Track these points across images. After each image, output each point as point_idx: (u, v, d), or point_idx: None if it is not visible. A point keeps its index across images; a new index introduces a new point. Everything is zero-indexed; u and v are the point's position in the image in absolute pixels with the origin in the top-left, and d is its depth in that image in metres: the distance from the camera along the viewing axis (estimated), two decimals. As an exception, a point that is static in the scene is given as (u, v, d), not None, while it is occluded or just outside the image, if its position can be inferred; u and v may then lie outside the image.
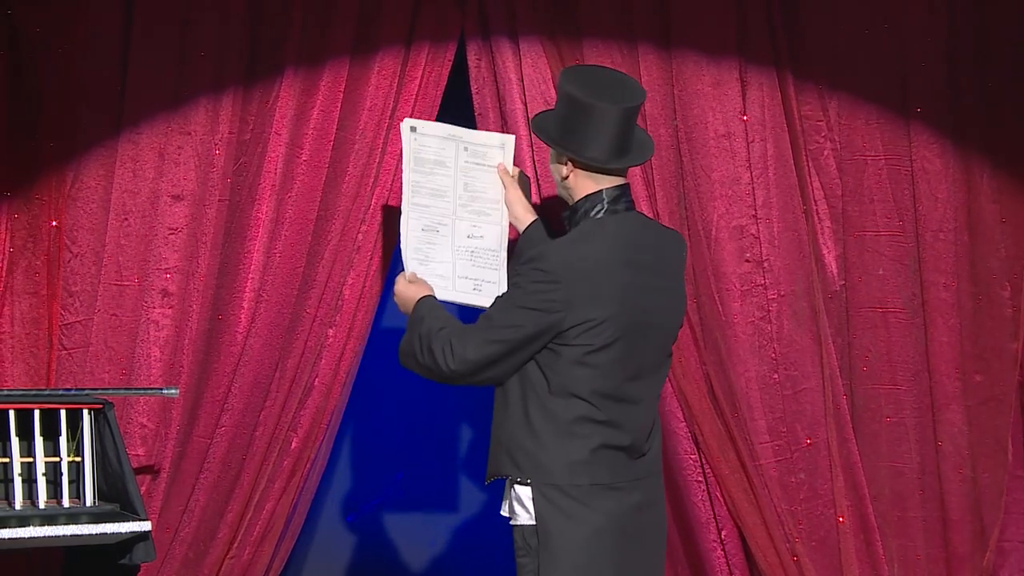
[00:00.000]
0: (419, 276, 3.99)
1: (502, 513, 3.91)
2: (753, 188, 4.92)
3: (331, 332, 4.93)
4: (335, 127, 4.89)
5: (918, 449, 4.98)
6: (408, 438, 5.60)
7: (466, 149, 3.88)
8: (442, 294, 3.94)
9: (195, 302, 4.89)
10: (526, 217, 4.12)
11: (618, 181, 3.90)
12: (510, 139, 3.91)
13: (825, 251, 5.00)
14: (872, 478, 4.96)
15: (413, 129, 3.79)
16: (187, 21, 4.92)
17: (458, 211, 3.88)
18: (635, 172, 4.91)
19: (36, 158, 4.91)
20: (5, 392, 4.54)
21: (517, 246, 4.13)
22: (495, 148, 3.89)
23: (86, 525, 4.26)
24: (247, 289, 4.89)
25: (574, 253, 3.76)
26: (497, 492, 3.98)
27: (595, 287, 3.74)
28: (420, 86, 4.92)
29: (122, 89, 4.91)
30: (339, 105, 4.89)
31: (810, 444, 4.94)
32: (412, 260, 3.94)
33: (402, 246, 3.99)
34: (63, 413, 4.37)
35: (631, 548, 3.80)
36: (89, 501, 4.38)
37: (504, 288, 3.88)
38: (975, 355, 4.97)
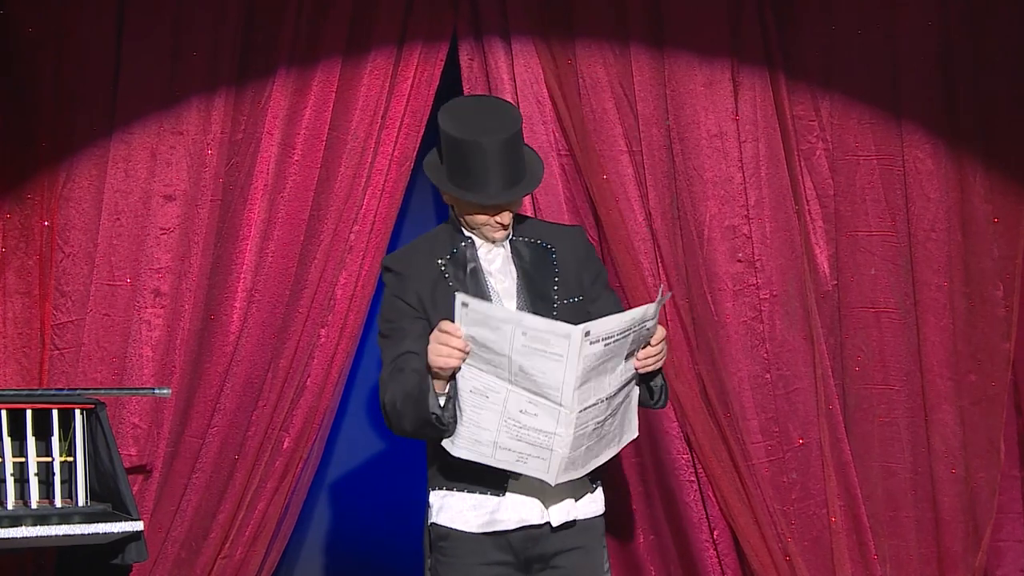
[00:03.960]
0: (458, 439, 3.58)
1: (580, 516, 3.78)
2: (745, 188, 4.92)
3: (323, 332, 4.93)
4: (327, 127, 4.89)
5: (910, 449, 4.98)
6: (400, 439, 5.59)
7: (524, 333, 3.43)
8: (482, 460, 3.59)
9: (187, 302, 4.89)
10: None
11: None
12: (577, 331, 3.37)
13: (817, 251, 5.00)
14: (864, 478, 4.96)
15: (464, 304, 3.51)
16: (180, 21, 4.92)
17: (512, 386, 3.49)
18: (627, 172, 4.92)
19: (29, 158, 4.91)
20: (-3, 392, 4.54)
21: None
22: (559, 337, 3.38)
23: (78, 525, 4.26)
24: (239, 289, 4.89)
25: None
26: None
27: None
28: (412, 86, 4.93)
29: (114, 89, 4.92)
30: (331, 105, 4.89)
31: (802, 444, 4.94)
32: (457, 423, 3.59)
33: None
34: (55, 413, 4.37)
35: None
36: (81, 501, 4.38)
37: (556, 467, 3.55)
38: (968, 355, 4.97)
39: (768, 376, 4.92)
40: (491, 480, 3.70)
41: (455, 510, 3.74)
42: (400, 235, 5.27)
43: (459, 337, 3.46)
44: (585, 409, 3.49)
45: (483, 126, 3.67)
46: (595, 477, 3.80)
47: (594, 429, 3.55)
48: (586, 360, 3.41)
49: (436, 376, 3.54)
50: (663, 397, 3.78)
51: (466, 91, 4.95)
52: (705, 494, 4.93)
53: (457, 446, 3.58)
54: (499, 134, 3.65)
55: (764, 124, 4.95)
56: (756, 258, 4.92)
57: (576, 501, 3.77)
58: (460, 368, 3.50)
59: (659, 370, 3.68)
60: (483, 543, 3.73)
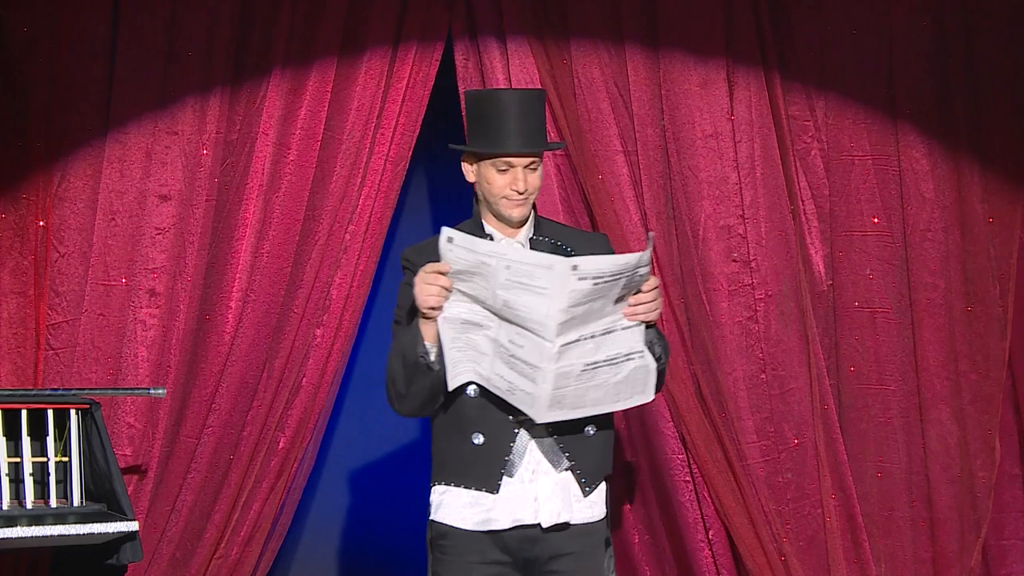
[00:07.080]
0: (458, 367, 3.57)
1: (574, 520, 3.71)
2: (740, 188, 4.93)
3: (319, 332, 4.93)
4: (322, 127, 4.89)
5: (905, 449, 4.98)
6: (396, 438, 5.60)
7: (508, 267, 3.43)
8: (480, 381, 3.60)
9: (182, 302, 4.89)
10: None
11: None
12: (561, 263, 3.41)
13: (812, 251, 5.00)
14: (859, 478, 4.97)
15: (450, 240, 3.46)
16: (174, 21, 4.92)
17: (500, 319, 3.53)
18: (622, 172, 4.92)
19: (23, 158, 4.91)
20: (-8, 392, 4.54)
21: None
22: (543, 270, 3.41)
23: (73, 525, 4.26)
24: (234, 289, 4.89)
25: None
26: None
27: None
28: (407, 86, 4.93)
29: (109, 89, 4.92)
30: (326, 105, 4.89)
31: (797, 444, 4.94)
32: (451, 349, 3.56)
33: (441, 336, 3.57)
34: (50, 413, 4.36)
35: None
36: (76, 501, 4.38)
37: (541, 403, 3.54)
38: (964, 354, 4.98)
39: (763, 376, 4.93)
40: (485, 477, 3.67)
41: (453, 507, 3.71)
42: (395, 235, 5.27)
43: (443, 274, 3.50)
44: (568, 345, 3.47)
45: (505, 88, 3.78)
46: (591, 482, 3.72)
47: (583, 371, 3.52)
48: (572, 296, 3.42)
49: (425, 317, 3.55)
50: (662, 356, 3.69)
51: (461, 92, 4.95)
52: (700, 494, 4.93)
53: (458, 374, 3.57)
54: (519, 92, 3.75)
55: (759, 124, 4.95)
56: (751, 258, 4.93)
57: (567, 503, 3.70)
58: (445, 308, 3.52)
59: (653, 323, 3.64)
60: (482, 542, 3.70)
